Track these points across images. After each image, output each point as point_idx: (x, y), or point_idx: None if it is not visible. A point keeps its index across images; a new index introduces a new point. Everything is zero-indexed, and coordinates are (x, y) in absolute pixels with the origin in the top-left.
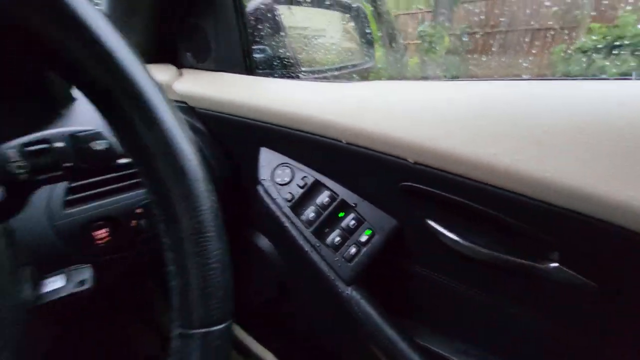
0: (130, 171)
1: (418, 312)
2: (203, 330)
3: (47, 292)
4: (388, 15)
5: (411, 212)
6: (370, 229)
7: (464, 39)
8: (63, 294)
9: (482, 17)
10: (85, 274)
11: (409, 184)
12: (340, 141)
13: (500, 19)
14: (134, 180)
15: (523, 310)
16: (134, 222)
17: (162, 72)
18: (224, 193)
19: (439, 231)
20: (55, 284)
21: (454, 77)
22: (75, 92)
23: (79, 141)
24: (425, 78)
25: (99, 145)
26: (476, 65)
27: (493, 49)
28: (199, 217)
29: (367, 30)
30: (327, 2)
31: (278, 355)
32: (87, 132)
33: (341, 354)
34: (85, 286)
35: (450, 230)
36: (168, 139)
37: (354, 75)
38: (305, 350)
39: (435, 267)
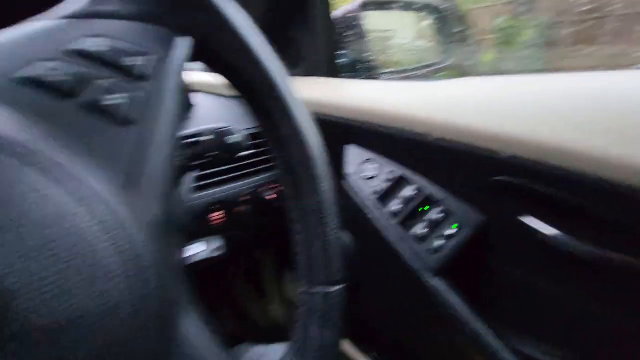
0: (239, 164)
1: (506, 311)
2: (325, 289)
3: (192, 255)
4: (461, 11)
5: (503, 207)
6: (456, 223)
7: (552, 30)
8: (205, 256)
9: (571, 6)
10: (219, 242)
11: (502, 178)
12: (429, 136)
13: (597, 7)
14: (242, 172)
15: (631, 315)
16: (240, 208)
17: None
18: None
19: (535, 228)
20: (196, 249)
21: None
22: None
23: (219, 135)
24: (504, 73)
25: (233, 139)
26: (567, 57)
27: (590, 39)
28: (322, 196)
29: (444, 29)
30: (413, 7)
31: (357, 346)
32: (225, 128)
33: (422, 345)
34: (220, 252)
35: (551, 227)
36: (300, 131)
37: (441, 74)
38: (384, 340)
39: (529, 265)
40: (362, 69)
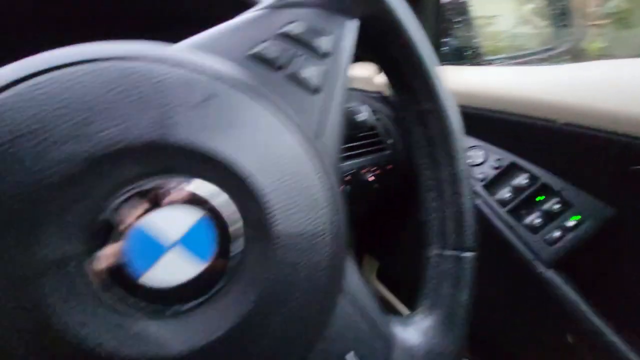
0: (351, 144)
1: (635, 313)
2: (457, 253)
3: None
4: None
5: (639, 199)
6: (578, 214)
7: None
8: None
9: None
10: None
11: None
12: (554, 122)
13: None
14: (347, 154)
15: None
16: (343, 187)
17: (365, 69)
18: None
19: None
20: None
21: None
22: None
23: (348, 114)
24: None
25: (360, 117)
26: None
27: None
28: (458, 166)
29: (553, 12)
30: None
31: None
32: (352, 107)
33: (529, 336)
34: None
35: None
36: (442, 107)
37: (557, 59)
38: (480, 330)
39: None
40: (468, 56)
